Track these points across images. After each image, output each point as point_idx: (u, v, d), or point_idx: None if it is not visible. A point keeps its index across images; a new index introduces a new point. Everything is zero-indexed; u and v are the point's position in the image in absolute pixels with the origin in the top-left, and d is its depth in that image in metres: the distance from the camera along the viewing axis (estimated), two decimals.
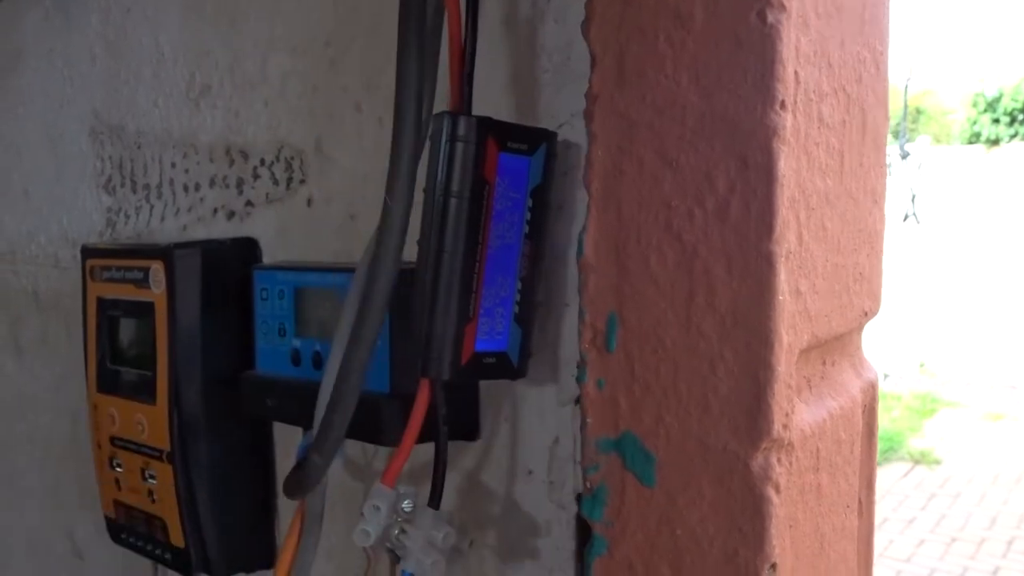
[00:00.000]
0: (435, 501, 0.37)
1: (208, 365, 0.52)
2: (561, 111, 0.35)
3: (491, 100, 0.38)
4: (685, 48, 0.24)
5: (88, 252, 0.60)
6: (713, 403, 0.23)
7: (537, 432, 0.40)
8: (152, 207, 0.63)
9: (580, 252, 0.25)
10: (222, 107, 0.56)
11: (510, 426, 0.40)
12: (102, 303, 0.58)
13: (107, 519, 0.60)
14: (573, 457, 0.39)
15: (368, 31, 0.46)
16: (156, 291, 0.53)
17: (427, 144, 0.34)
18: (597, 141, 0.25)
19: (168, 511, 0.54)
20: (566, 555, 0.40)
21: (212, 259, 0.53)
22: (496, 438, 0.41)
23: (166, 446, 0.53)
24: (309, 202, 0.51)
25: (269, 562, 0.56)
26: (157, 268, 0.53)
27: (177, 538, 0.54)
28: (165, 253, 0.53)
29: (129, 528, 0.58)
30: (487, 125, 0.33)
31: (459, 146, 0.33)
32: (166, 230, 0.62)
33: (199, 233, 0.59)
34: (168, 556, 0.55)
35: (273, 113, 0.52)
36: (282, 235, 0.53)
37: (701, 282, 0.24)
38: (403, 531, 0.36)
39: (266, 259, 0.54)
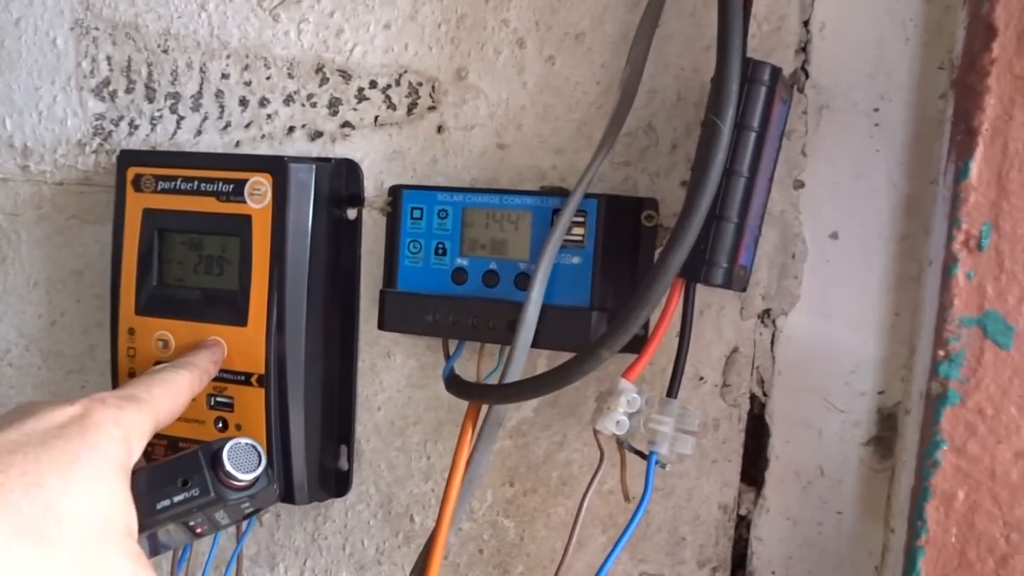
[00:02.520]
0: (674, 392, 0.42)
1: (313, 287, 0.51)
2: None
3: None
4: None
5: (131, 158, 0.54)
6: None
7: (714, 343, 0.47)
8: (182, 118, 0.58)
9: (964, 176, 0.33)
10: (316, 23, 0.54)
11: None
12: (150, 216, 0.53)
13: None
14: (752, 363, 0.46)
15: None
16: (255, 206, 0.50)
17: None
18: (991, 93, 0.32)
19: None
20: (734, 446, 0.47)
21: (323, 176, 0.51)
22: (663, 351, 0.46)
23: (258, 369, 0.50)
24: (440, 129, 0.52)
25: (343, 490, 0.55)
26: (259, 181, 0.50)
27: None
28: (274, 166, 0.50)
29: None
30: (776, 73, 0.40)
31: (757, 88, 0.39)
32: (206, 144, 0.57)
33: (260, 150, 0.56)
34: None
35: (397, 37, 0.52)
36: (395, 159, 0.53)
37: None
38: (653, 419, 0.41)
39: (370, 182, 0.53)
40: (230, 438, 0.43)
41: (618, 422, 0.41)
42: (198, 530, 0.44)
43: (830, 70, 0.44)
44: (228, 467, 0.41)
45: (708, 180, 0.37)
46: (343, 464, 0.55)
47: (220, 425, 0.52)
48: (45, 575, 0.32)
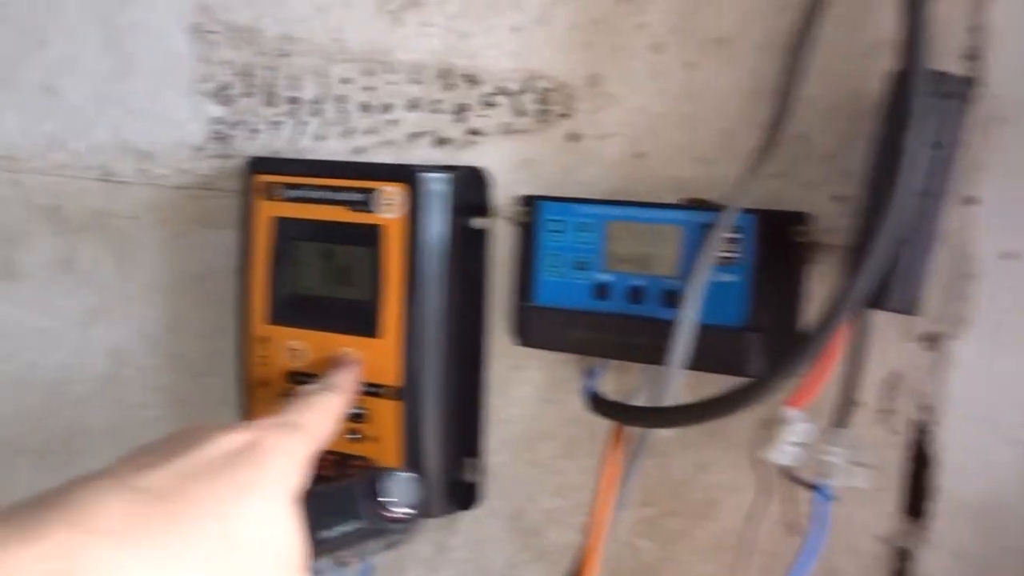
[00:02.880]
0: (843, 421, 0.40)
1: (446, 298, 0.50)
2: None
3: None
4: None
5: (260, 165, 0.53)
6: None
7: (874, 367, 0.45)
8: (304, 123, 0.57)
9: None
10: (442, 26, 0.52)
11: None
12: (280, 224, 0.52)
13: None
14: (916, 389, 0.44)
15: None
16: (387, 216, 0.49)
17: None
18: None
19: (381, 450, 0.51)
20: (894, 475, 0.45)
21: (456, 186, 0.50)
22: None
23: (393, 382, 0.50)
24: (572, 137, 0.50)
25: (467, 503, 0.54)
26: (392, 191, 0.49)
27: None
28: (407, 175, 0.49)
29: None
30: (967, 84, 0.37)
31: (944, 101, 0.37)
32: (327, 150, 0.56)
33: (383, 157, 0.55)
34: None
35: (527, 42, 0.50)
36: (524, 167, 0.51)
37: None
38: (823, 450, 0.39)
39: (499, 191, 0.52)
40: (384, 471, 0.42)
41: (786, 453, 0.39)
42: (347, 560, 0.44)
43: (1006, 78, 0.41)
44: (390, 500, 0.41)
45: (895, 203, 0.35)
46: (472, 477, 0.54)
47: (353, 437, 0.51)
48: None
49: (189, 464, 0.34)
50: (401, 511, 0.41)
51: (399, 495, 0.41)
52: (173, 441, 0.36)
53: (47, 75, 0.65)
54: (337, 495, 0.40)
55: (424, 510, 0.50)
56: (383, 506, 0.40)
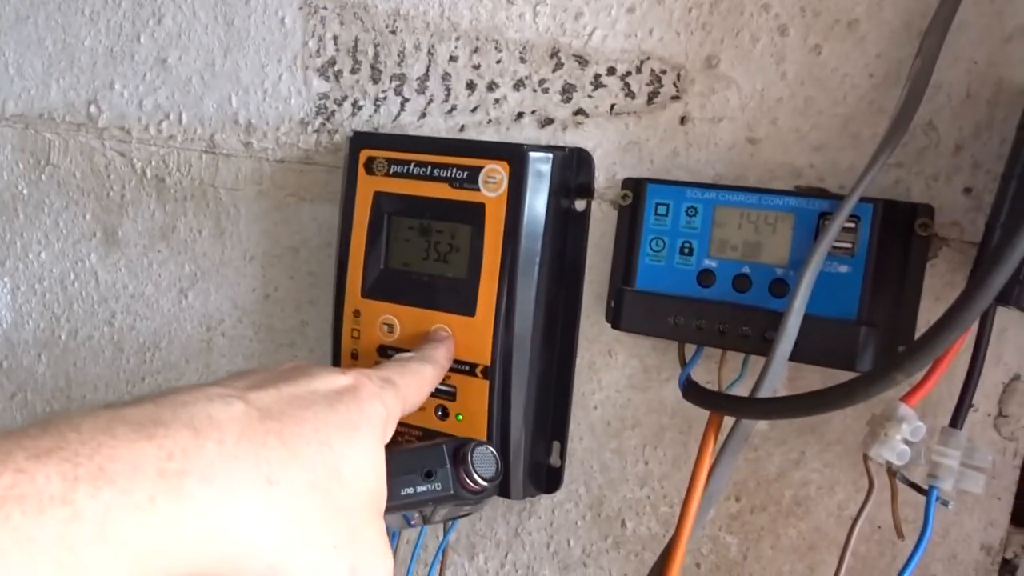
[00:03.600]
0: (959, 423, 0.38)
1: (542, 280, 0.49)
2: None
3: None
4: None
5: (364, 140, 0.54)
6: None
7: (991, 369, 0.42)
8: (406, 100, 0.57)
9: None
10: (554, 5, 0.52)
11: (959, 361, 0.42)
12: (381, 199, 0.53)
13: None
14: None
15: None
16: (490, 194, 0.49)
17: None
18: None
19: (470, 429, 0.50)
20: (1005, 483, 0.43)
21: (560, 166, 0.49)
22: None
23: (484, 360, 0.49)
24: (683, 120, 0.49)
25: (553, 487, 0.54)
26: (495, 169, 0.49)
27: None
28: (512, 153, 0.49)
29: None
30: None
31: None
32: (430, 127, 0.57)
33: (486, 135, 0.55)
34: None
35: (641, 22, 0.50)
36: (630, 150, 0.51)
37: None
38: (936, 451, 0.37)
39: (601, 173, 0.51)
40: (471, 440, 0.43)
41: (899, 451, 0.37)
42: (413, 521, 0.44)
43: None
44: (473, 468, 0.41)
45: None
46: (555, 461, 0.53)
47: (440, 413, 0.51)
48: (325, 537, 0.32)
49: (299, 392, 0.34)
50: (481, 482, 0.41)
51: (482, 467, 0.41)
52: (279, 370, 0.37)
53: (161, 49, 0.67)
54: (423, 455, 0.41)
55: (503, 487, 0.50)
56: (467, 473, 0.41)
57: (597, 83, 0.51)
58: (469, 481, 0.42)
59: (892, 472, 0.39)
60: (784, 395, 0.40)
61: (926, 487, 0.38)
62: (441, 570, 0.56)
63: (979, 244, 0.38)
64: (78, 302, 0.73)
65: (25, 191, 0.75)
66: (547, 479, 0.54)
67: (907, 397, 0.38)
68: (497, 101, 0.55)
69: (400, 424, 0.52)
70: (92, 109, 0.71)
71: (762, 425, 0.48)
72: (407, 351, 0.50)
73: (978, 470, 0.37)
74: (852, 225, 0.41)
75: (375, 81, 0.59)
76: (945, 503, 0.37)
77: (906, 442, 0.37)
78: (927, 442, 0.38)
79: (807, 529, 0.47)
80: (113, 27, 0.69)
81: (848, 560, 0.46)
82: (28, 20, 0.73)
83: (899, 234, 0.42)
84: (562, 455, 0.53)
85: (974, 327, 0.37)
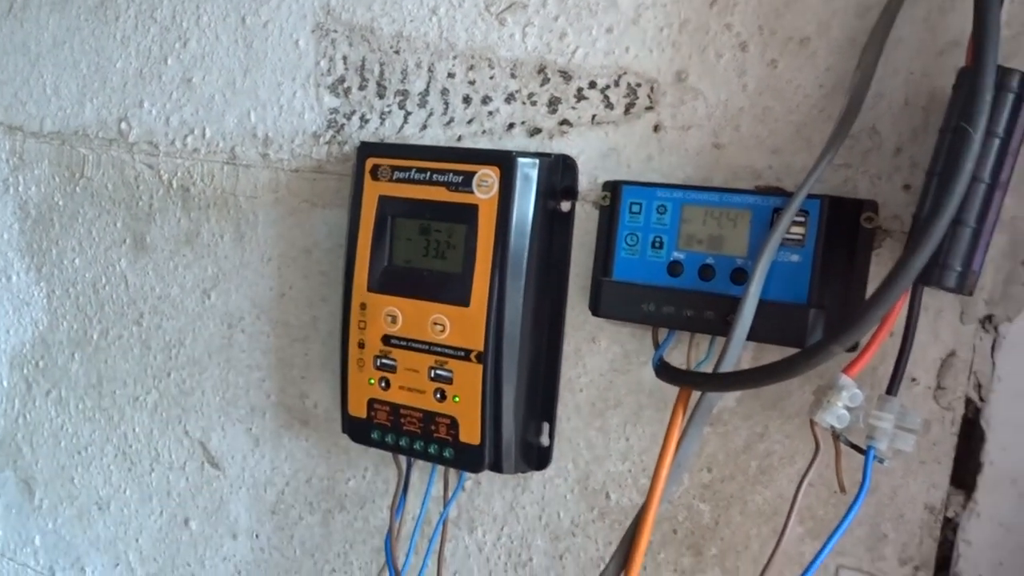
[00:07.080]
0: (893, 390, 0.43)
1: (530, 273, 0.55)
2: None
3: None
4: None
5: (369, 150, 0.59)
6: None
7: (930, 345, 0.47)
8: (409, 114, 0.63)
9: None
10: (541, 26, 0.58)
11: (896, 339, 0.46)
12: (385, 202, 0.58)
13: (351, 419, 0.60)
14: (970, 367, 0.46)
15: None
16: (482, 196, 0.55)
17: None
18: None
19: (465, 410, 0.56)
20: (945, 449, 0.47)
21: (544, 170, 0.55)
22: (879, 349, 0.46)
23: (478, 346, 0.55)
24: (656, 128, 0.54)
25: (543, 464, 0.59)
26: (487, 173, 0.54)
27: (472, 436, 0.56)
28: (502, 159, 0.54)
29: (389, 427, 0.59)
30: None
31: (1006, 95, 0.40)
32: (430, 138, 0.62)
33: (482, 144, 0.60)
34: (449, 453, 0.57)
35: (618, 40, 0.55)
36: (610, 156, 0.56)
37: None
38: (873, 415, 0.42)
39: (584, 177, 0.57)
40: None
41: (839, 416, 0.42)
42: None
43: None
44: None
45: (956, 186, 0.38)
46: (544, 440, 0.58)
47: (438, 396, 0.56)
48: None
49: None
50: None
51: None
52: None
53: (186, 69, 0.74)
54: None
55: (496, 464, 0.55)
56: None
57: (580, 96, 0.57)
58: None
59: (836, 435, 0.43)
60: (736, 370, 0.45)
61: (865, 447, 0.42)
62: (442, 543, 0.61)
63: (908, 233, 0.43)
64: (109, 304, 0.79)
65: (61, 202, 0.81)
66: (538, 457, 0.59)
67: (848, 368, 0.43)
68: (491, 113, 0.60)
69: (402, 407, 0.58)
70: (123, 126, 0.77)
71: (730, 401, 0.53)
72: (408, 339, 0.56)
73: (910, 431, 0.42)
74: (802, 219, 0.46)
75: (381, 96, 0.64)
76: (881, 460, 0.42)
77: (847, 408, 0.42)
78: (866, 408, 0.43)
79: (771, 496, 0.52)
80: (143, 50, 0.75)
81: (809, 523, 0.51)
82: (64, 45, 0.80)
83: (846, 226, 0.47)
84: (551, 434, 0.58)
85: (905, 306, 0.42)
